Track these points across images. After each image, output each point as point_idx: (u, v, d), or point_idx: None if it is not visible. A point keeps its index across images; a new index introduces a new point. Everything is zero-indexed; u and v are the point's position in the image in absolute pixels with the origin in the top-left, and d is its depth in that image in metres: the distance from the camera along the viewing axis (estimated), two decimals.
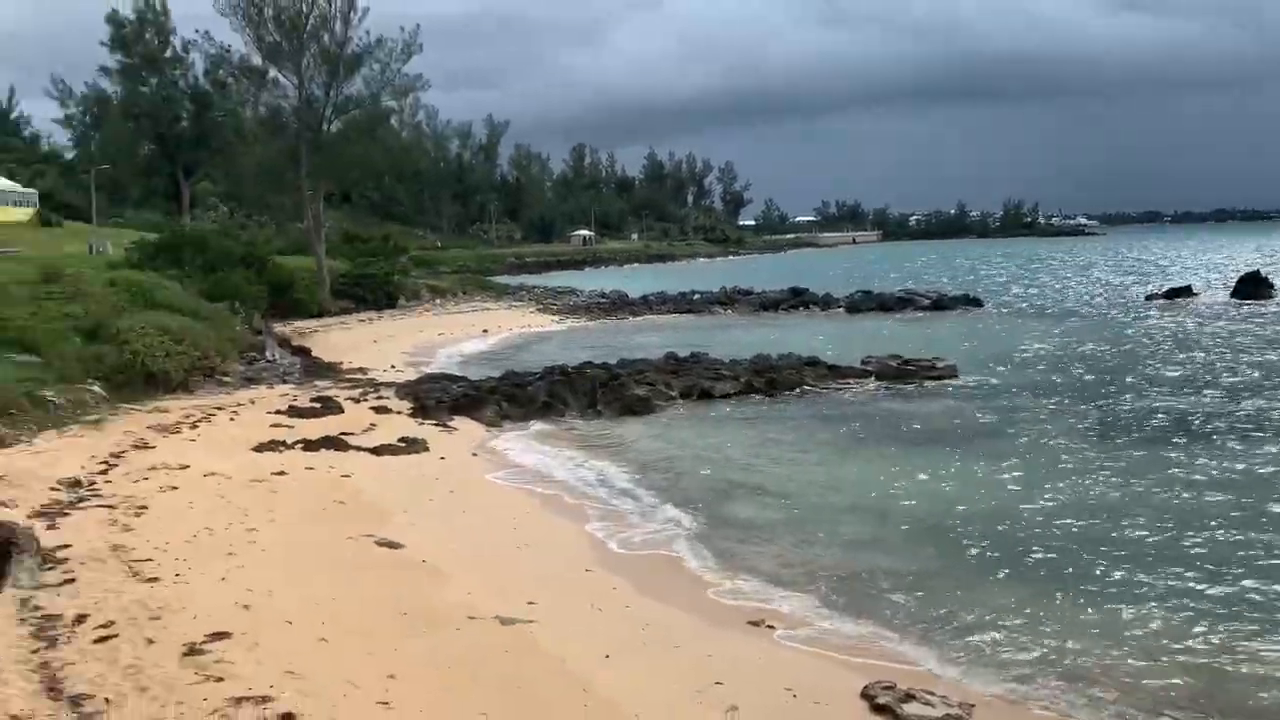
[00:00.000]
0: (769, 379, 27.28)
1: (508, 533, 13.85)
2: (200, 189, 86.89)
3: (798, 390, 26.97)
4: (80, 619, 9.35)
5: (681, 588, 11.84)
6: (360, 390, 27.27)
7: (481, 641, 9.45)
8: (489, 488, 16.95)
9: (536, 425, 23.10)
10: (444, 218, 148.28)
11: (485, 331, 47.50)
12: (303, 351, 35.82)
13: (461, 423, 22.83)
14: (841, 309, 55.85)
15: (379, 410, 23.98)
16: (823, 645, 10.08)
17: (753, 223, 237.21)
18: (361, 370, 31.88)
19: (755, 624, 10.54)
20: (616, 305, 62.92)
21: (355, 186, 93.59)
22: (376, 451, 18.93)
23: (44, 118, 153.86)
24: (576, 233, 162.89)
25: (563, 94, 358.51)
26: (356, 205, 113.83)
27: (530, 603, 10.54)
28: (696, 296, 64.43)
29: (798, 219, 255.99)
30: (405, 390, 26.63)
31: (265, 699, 7.60)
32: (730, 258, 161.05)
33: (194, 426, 20.82)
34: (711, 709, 8.21)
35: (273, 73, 56.42)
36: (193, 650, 8.60)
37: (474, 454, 19.77)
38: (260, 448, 18.72)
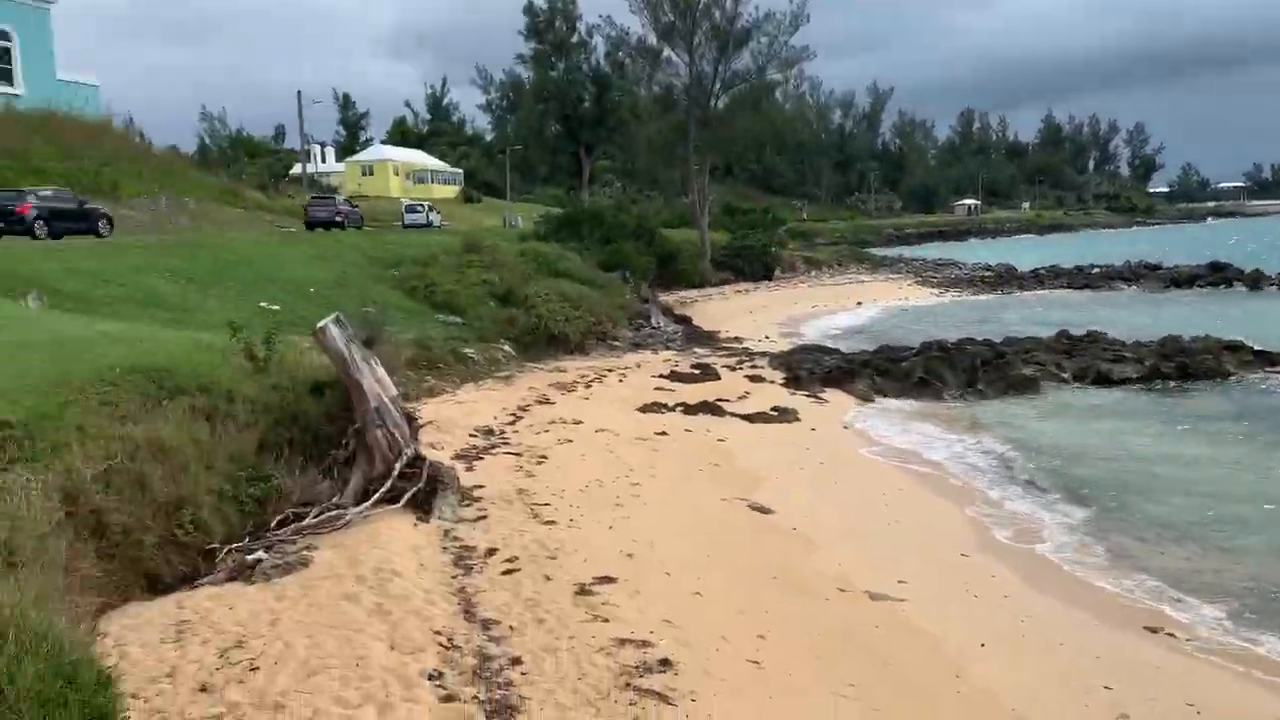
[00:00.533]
0: (1179, 364, 24.58)
1: (879, 508, 13.66)
2: (598, 166, 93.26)
3: (1215, 378, 24.05)
4: (491, 552, 10.48)
5: (1067, 582, 11.05)
6: (736, 359, 28.07)
7: (850, 614, 9.42)
8: (860, 461, 16.80)
9: (910, 402, 22.54)
10: (822, 188, 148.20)
11: (859, 304, 46.99)
12: (684, 320, 37.53)
13: (833, 395, 22.81)
14: (1275, 287, 48.95)
15: (753, 379, 24.56)
16: (1234, 661, 8.99)
17: (1165, 189, 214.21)
18: (737, 339, 32.81)
19: (1153, 630, 9.61)
20: (1003, 279, 59.66)
21: (738, 160, 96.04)
22: (750, 419, 19.41)
23: (469, 104, 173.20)
24: (960, 202, 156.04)
25: (951, 56, 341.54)
26: (737, 178, 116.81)
27: (901, 581, 10.33)
28: (1094, 270, 59.46)
29: (1220, 185, 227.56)
30: (778, 360, 27.05)
31: (645, 643, 8.09)
32: (1136, 228, 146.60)
33: (588, 386, 22.51)
34: (1098, 713, 7.62)
35: (666, 52, 59.41)
36: (583, 590, 9.34)
37: (845, 426, 19.68)
38: (644, 408, 19.88)
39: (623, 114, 75.65)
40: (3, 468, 8.51)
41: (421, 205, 58.63)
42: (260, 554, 9.64)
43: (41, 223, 29.53)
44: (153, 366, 11.68)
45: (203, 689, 7.02)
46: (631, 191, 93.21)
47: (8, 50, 44.29)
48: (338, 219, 46.63)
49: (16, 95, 43.57)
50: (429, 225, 53.69)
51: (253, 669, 7.32)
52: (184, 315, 19.81)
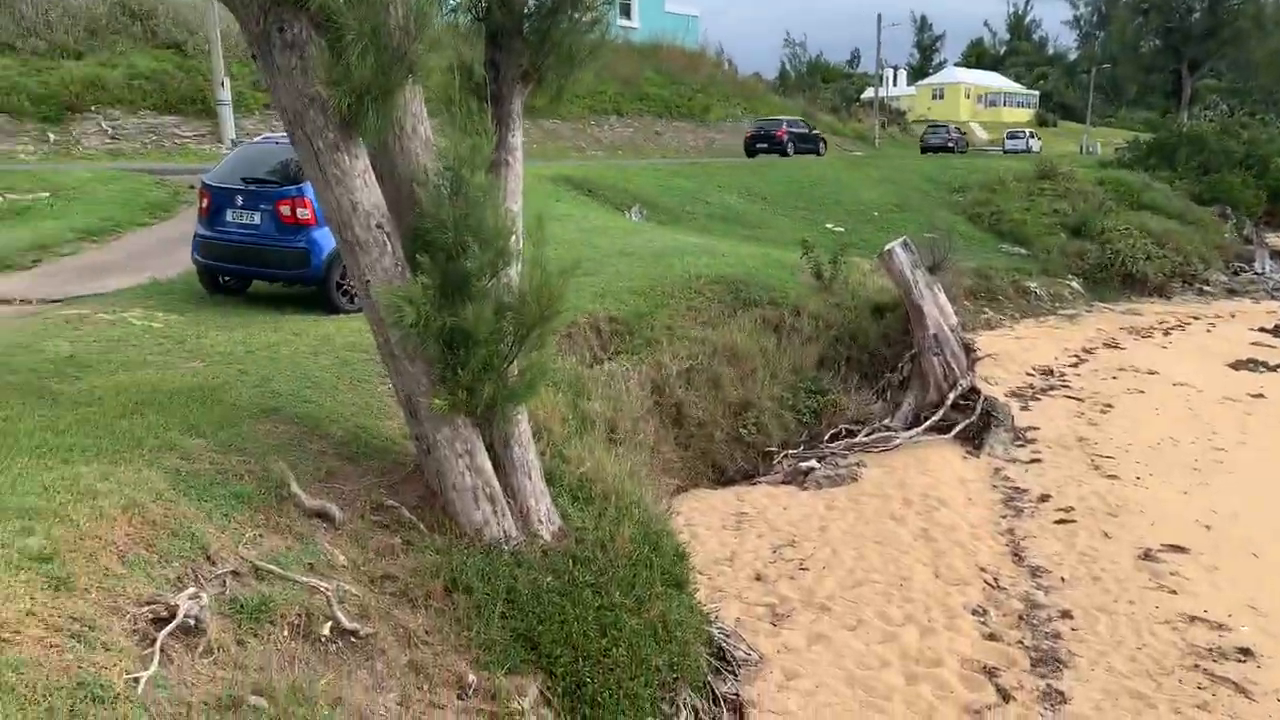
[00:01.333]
0: None
1: None
2: (1201, 86, 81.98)
3: None
4: (1044, 498, 9.95)
5: None
6: None
7: None
8: None
9: None
10: None
11: None
12: None
13: None
14: None
15: None
16: None
17: None
18: None
19: None
20: None
21: None
22: None
23: (1053, 21, 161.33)
24: None
25: None
26: None
27: None
28: None
29: None
30: None
31: (1222, 626, 7.17)
32: None
33: (1166, 333, 20.24)
34: None
35: None
36: (1147, 555, 8.51)
37: None
38: (1237, 365, 17.40)
39: (1242, 24, 65.36)
40: (610, 357, 9.84)
41: (1022, 132, 61.27)
42: (813, 463, 10.13)
43: (791, 144, 36.76)
44: (731, 278, 12.69)
45: (757, 578, 7.61)
46: (1241, 115, 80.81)
47: None
48: (949, 144, 51.18)
49: (633, 28, 49.12)
50: (1028, 151, 55.63)
51: (802, 568, 7.77)
52: (757, 232, 21.19)
